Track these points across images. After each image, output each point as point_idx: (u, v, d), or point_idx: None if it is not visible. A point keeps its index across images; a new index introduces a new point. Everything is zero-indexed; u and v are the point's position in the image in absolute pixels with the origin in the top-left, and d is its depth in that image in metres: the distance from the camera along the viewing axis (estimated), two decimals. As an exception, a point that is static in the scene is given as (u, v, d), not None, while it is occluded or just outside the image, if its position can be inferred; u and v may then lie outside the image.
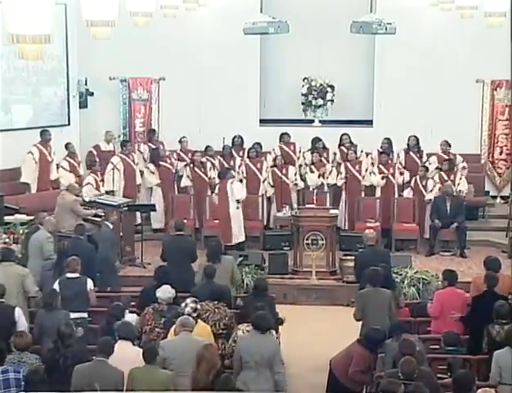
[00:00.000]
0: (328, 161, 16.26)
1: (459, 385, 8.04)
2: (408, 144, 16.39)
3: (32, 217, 13.72)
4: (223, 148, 16.42)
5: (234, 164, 16.18)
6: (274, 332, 9.34)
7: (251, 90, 17.84)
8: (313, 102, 17.86)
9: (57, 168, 16.20)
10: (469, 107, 17.47)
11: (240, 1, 17.33)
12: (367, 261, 11.79)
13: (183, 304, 9.62)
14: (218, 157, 16.30)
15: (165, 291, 9.98)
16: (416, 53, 17.32)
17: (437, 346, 9.71)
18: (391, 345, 9.15)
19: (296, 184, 16.00)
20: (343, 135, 16.59)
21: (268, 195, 16.02)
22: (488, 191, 17.45)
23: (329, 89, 17.82)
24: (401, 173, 15.73)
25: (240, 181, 15.63)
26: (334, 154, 16.49)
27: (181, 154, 16.65)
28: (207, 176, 15.91)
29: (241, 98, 17.58)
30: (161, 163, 16.15)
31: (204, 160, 16.06)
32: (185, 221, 15.26)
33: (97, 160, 16.10)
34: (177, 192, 16.17)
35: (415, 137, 16.37)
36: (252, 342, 8.80)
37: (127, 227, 14.33)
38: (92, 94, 17.71)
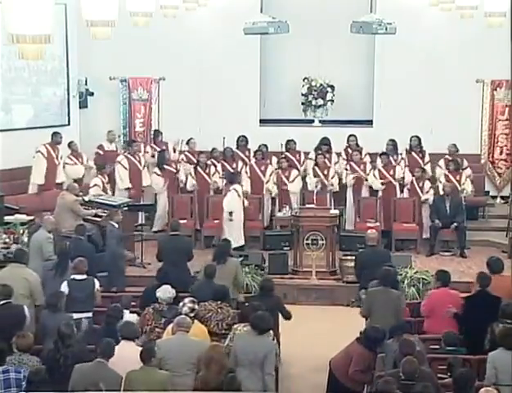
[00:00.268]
0: (330, 162, 16.21)
1: (459, 385, 8.03)
2: (410, 144, 16.40)
3: (32, 217, 13.73)
4: (225, 150, 16.36)
5: (236, 166, 16.14)
6: (272, 333, 9.31)
7: (251, 90, 17.83)
8: (313, 102, 17.86)
9: (63, 167, 16.16)
10: (469, 107, 17.47)
11: (240, 1, 17.33)
12: (368, 261, 11.83)
13: (181, 304, 9.65)
14: (221, 161, 16.23)
15: (165, 291, 9.99)
16: (416, 53, 17.32)
17: (437, 346, 9.71)
18: (392, 345, 9.14)
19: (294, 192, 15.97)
20: (350, 136, 16.57)
21: (273, 195, 15.95)
22: (488, 192, 17.45)
23: (329, 89, 17.82)
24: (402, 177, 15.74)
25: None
26: (339, 155, 16.45)
27: (189, 155, 16.63)
28: (210, 178, 15.90)
29: (241, 98, 17.58)
30: (166, 166, 16.13)
31: (209, 162, 16.05)
32: (185, 221, 15.38)
33: (106, 164, 16.06)
34: (179, 192, 16.15)
35: (417, 137, 16.38)
36: (248, 342, 8.81)
37: (127, 227, 14.32)
38: (92, 94, 17.71)
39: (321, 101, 17.82)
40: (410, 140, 16.40)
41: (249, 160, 16.40)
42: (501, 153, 17.78)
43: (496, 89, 17.60)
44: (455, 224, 15.02)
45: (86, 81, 17.54)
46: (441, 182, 15.69)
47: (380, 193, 15.74)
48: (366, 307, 10.43)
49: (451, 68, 17.30)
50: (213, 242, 15.21)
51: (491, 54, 16.42)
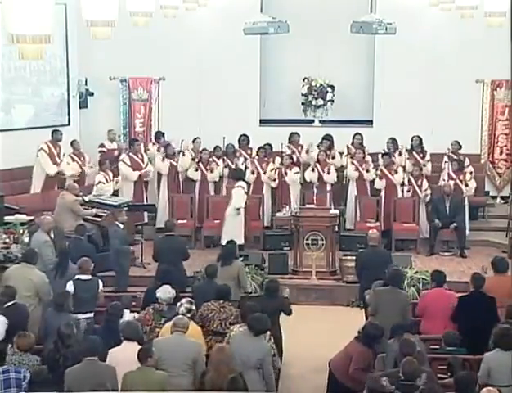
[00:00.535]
0: (329, 159, 16.21)
1: (460, 386, 8.03)
2: (412, 144, 16.41)
3: (32, 217, 13.73)
4: (227, 147, 16.39)
5: (237, 162, 16.15)
6: (268, 334, 9.31)
7: (251, 90, 17.83)
8: (313, 102, 17.85)
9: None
10: (469, 107, 17.46)
11: (240, 1, 17.33)
12: (368, 261, 11.82)
13: (178, 304, 9.65)
14: (223, 157, 16.24)
15: (165, 292, 9.99)
16: (416, 53, 17.32)
17: (437, 346, 9.71)
18: (392, 345, 9.14)
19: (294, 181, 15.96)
20: (356, 134, 16.55)
21: (272, 185, 15.91)
22: (488, 191, 17.45)
23: (329, 89, 17.81)
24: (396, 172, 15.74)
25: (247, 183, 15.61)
26: (341, 154, 16.47)
27: (192, 153, 16.63)
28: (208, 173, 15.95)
29: (241, 98, 17.57)
30: (170, 159, 16.14)
31: (210, 159, 16.07)
32: (185, 221, 15.39)
33: (107, 159, 16.07)
34: (182, 191, 16.14)
35: (419, 137, 16.39)
36: (243, 343, 8.84)
37: (127, 227, 14.31)
38: (92, 94, 17.71)
39: (321, 101, 17.82)
40: (412, 140, 16.41)
41: (251, 157, 16.40)
42: (501, 153, 17.79)
43: (496, 89, 17.60)
44: (454, 224, 15.03)
45: (86, 81, 17.54)
46: (444, 180, 15.65)
47: (382, 193, 15.73)
48: (373, 307, 10.41)
49: (451, 68, 17.29)
50: (214, 242, 15.22)
51: (491, 54, 16.42)
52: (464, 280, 12.13)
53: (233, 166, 15.95)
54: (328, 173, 15.86)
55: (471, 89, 17.50)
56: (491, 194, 17.55)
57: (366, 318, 10.87)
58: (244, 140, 16.72)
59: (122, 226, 13.14)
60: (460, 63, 17.24)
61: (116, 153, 16.33)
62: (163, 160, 16.07)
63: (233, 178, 15.11)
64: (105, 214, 14.23)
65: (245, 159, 16.36)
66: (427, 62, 17.33)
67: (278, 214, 15.67)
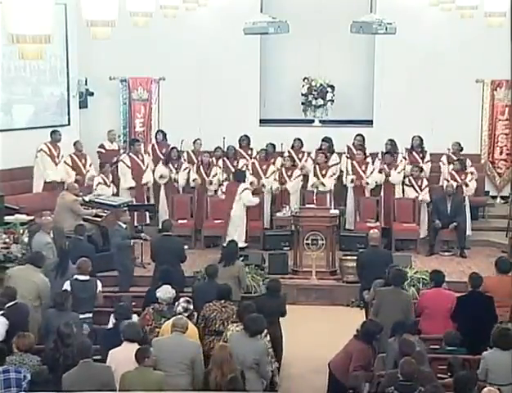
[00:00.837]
0: (328, 161, 16.20)
1: (459, 386, 8.03)
2: (412, 144, 16.40)
3: (32, 217, 13.73)
4: (227, 149, 16.38)
5: (237, 165, 16.13)
6: (263, 335, 9.30)
7: (251, 90, 17.83)
8: (313, 102, 17.85)
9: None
10: (469, 107, 17.46)
11: (240, 1, 17.33)
12: (369, 261, 11.81)
13: (176, 304, 9.66)
14: (223, 158, 16.23)
15: (165, 292, 9.98)
16: (416, 53, 17.31)
17: (437, 346, 9.71)
18: (393, 344, 9.14)
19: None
20: (357, 135, 16.54)
21: (272, 190, 15.87)
22: (488, 191, 17.45)
23: (329, 89, 17.81)
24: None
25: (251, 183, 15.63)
26: (340, 155, 16.45)
27: (192, 154, 16.63)
28: (208, 177, 15.91)
29: (241, 98, 17.57)
30: (169, 164, 16.16)
31: (211, 160, 16.06)
32: (185, 221, 15.38)
33: (107, 162, 16.05)
34: (181, 192, 16.15)
35: (420, 137, 16.39)
36: (239, 343, 8.85)
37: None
38: (92, 94, 17.71)
39: (321, 101, 17.82)
40: (412, 139, 16.41)
41: (251, 158, 16.40)
42: (501, 153, 17.78)
43: (496, 89, 17.60)
44: (454, 224, 15.02)
45: (86, 81, 17.54)
46: (448, 180, 15.62)
47: (382, 193, 15.75)
48: (375, 307, 10.41)
49: (451, 68, 17.29)
50: (214, 242, 15.23)
51: (491, 54, 16.42)
52: (464, 280, 12.10)
53: (232, 170, 15.89)
54: (323, 176, 15.83)
55: (471, 89, 17.50)
56: (491, 194, 17.55)
57: (366, 318, 10.87)
58: (244, 140, 16.71)
59: (124, 226, 13.12)
60: (460, 63, 17.24)
61: (115, 159, 16.24)
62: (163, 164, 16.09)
63: (236, 180, 15.08)
64: (105, 214, 14.23)
65: (246, 161, 16.32)
66: (427, 62, 17.32)
67: (278, 214, 15.67)
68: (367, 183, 15.77)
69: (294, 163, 16.19)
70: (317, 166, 16.00)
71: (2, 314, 9.56)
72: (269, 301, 10.33)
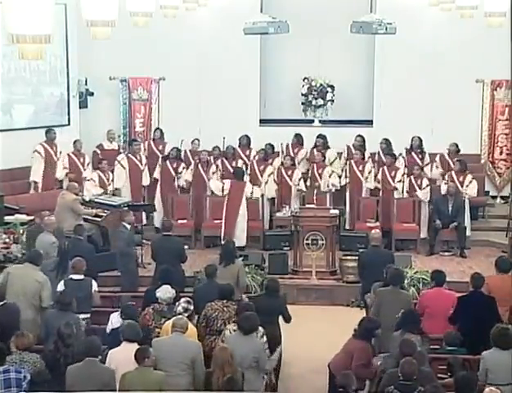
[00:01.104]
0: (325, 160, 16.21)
1: (460, 386, 8.02)
2: (412, 144, 16.40)
3: (32, 217, 13.72)
4: (226, 148, 16.38)
5: (236, 164, 16.14)
6: (262, 331, 9.32)
7: (251, 90, 17.84)
8: (313, 102, 17.86)
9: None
10: (469, 107, 17.46)
11: (240, 1, 17.33)
12: (370, 261, 11.80)
13: (176, 304, 9.66)
14: (222, 158, 16.23)
15: (165, 292, 9.98)
16: (416, 53, 17.32)
17: (437, 346, 9.71)
18: (396, 337, 9.13)
19: (299, 190, 15.88)
20: (357, 136, 16.52)
21: (270, 196, 15.93)
22: (488, 191, 17.45)
23: (329, 89, 17.82)
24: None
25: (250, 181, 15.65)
26: (340, 153, 16.45)
27: (189, 154, 16.62)
28: (207, 175, 15.92)
29: (241, 98, 17.58)
30: (167, 161, 16.16)
31: (209, 158, 16.07)
32: (185, 221, 15.38)
33: (103, 159, 16.04)
34: (178, 192, 16.15)
35: (419, 137, 16.38)
36: (234, 343, 8.85)
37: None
38: (92, 94, 17.72)
39: (321, 101, 17.82)
40: (412, 140, 16.40)
41: (248, 159, 16.39)
42: (501, 153, 17.78)
43: (496, 89, 17.60)
44: (454, 224, 15.01)
45: (86, 81, 17.55)
46: (446, 181, 15.60)
47: (380, 193, 15.75)
48: (375, 307, 10.40)
49: (451, 68, 17.29)
50: (219, 242, 15.22)
51: (491, 54, 16.42)
52: (465, 280, 12.12)
53: (231, 170, 15.88)
54: (320, 175, 15.83)
55: (471, 89, 17.51)
56: (491, 194, 17.55)
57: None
58: (244, 140, 16.70)
59: (129, 227, 13.10)
60: (460, 63, 17.24)
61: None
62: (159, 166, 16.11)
63: (237, 178, 15.09)
64: (105, 214, 14.23)
65: (245, 162, 16.31)
66: (427, 62, 17.32)
67: (278, 214, 15.67)
68: (369, 188, 15.81)
69: (294, 162, 16.18)
70: (315, 165, 15.99)
71: None
72: (267, 301, 10.32)
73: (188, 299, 9.74)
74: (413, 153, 16.35)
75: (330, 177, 15.80)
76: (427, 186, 15.58)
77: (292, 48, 18.07)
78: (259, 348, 8.96)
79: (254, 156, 16.39)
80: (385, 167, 15.76)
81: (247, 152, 16.67)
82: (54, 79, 16.97)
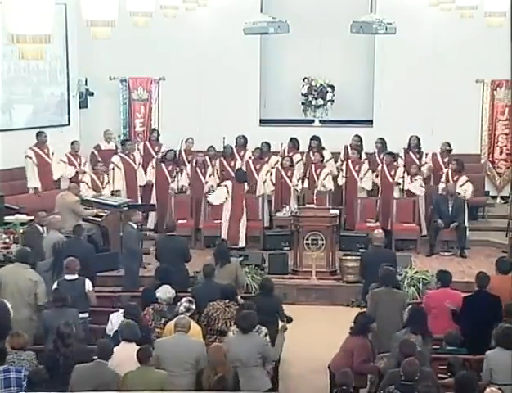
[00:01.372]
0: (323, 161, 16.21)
1: (460, 386, 8.02)
2: (409, 144, 16.40)
3: (32, 217, 13.71)
4: (224, 148, 16.39)
5: (235, 165, 16.13)
6: (263, 328, 9.35)
7: (251, 90, 17.84)
8: (313, 102, 17.86)
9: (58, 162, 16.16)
10: (469, 107, 17.47)
11: (240, 1, 17.34)
12: (372, 261, 11.79)
13: (178, 304, 9.65)
14: (220, 158, 16.24)
15: (165, 292, 9.99)
16: (416, 53, 17.32)
17: (437, 346, 9.71)
18: (400, 337, 9.14)
19: (296, 190, 15.90)
20: (354, 136, 16.49)
21: (269, 191, 15.89)
22: (488, 191, 17.45)
23: (329, 89, 17.82)
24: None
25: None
26: (336, 154, 16.45)
27: (183, 154, 16.62)
28: (204, 178, 15.92)
29: (241, 98, 17.58)
30: (162, 164, 16.15)
31: (205, 159, 16.06)
32: (185, 221, 15.37)
33: (100, 160, 16.05)
34: (173, 193, 16.14)
35: (417, 137, 16.37)
36: (236, 343, 8.87)
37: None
38: (92, 94, 17.72)
39: (321, 101, 17.83)
40: (410, 139, 16.39)
41: (242, 160, 16.33)
42: (501, 153, 17.79)
43: (496, 89, 17.60)
44: (455, 224, 15.00)
45: (86, 81, 17.55)
46: (443, 180, 15.61)
47: (379, 193, 15.74)
48: (371, 308, 10.39)
49: (451, 68, 17.29)
50: (214, 242, 15.23)
51: (491, 54, 16.42)
52: (465, 280, 12.13)
53: (229, 170, 15.88)
54: (318, 176, 15.83)
55: (471, 89, 17.51)
56: (491, 194, 17.55)
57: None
58: (241, 140, 16.67)
59: (136, 226, 13.09)
60: (460, 63, 17.24)
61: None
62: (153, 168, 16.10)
63: (237, 181, 15.07)
64: (105, 214, 14.24)
65: (241, 158, 16.33)
66: (427, 62, 17.33)
67: (278, 214, 15.66)
68: (362, 188, 15.82)
69: (293, 163, 16.19)
70: (313, 165, 15.99)
71: None
72: (263, 301, 10.31)
73: (190, 298, 9.74)
74: (411, 152, 16.33)
75: (324, 179, 15.80)
76: (419, 180, 15.51)
77: (292, 48, 18.07)
78: (262, 343, 8.99)
79: (250, 157, 16.34)
80: (385, 166, 15.75)
81: (241, 153, 16.63)
82: (54, 79, 16.98)
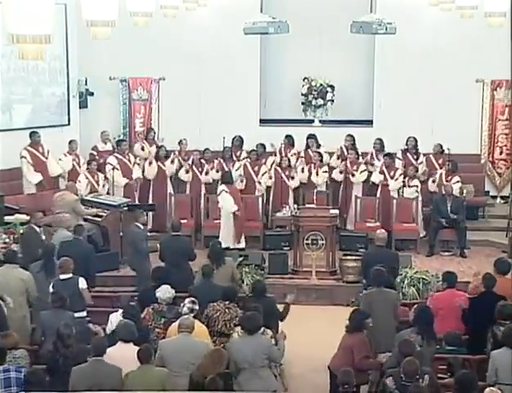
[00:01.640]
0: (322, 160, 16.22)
1: (460, 386, 8.02)
2: (407, 145, 16.39)
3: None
4: (224, 149, 16.37)
5: (233, 166, 16.11)
6: (268, 330, 9.35)
7: (251, 90, 17.84)
8: (313, 102, 17.87)
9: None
10: (469, 107, 17.47)
11: (240, 1, 17.33)
12: (374, 261, 11.77)
13: (181, 305, 9.65)
14: (219, 159, 16.22)
15: (165, 292, 9.99)
16: (416, 53, 17.32)
17: (437, 346, 9.70)
18: (402, 337, 9.13)
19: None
20: (347, 136, 16.49)
21: (268, 184, 15.85)
22: (488, 191, 17.46)
23: (329, 89, 17.83)
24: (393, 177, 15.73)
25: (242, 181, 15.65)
26: (331, 153, 16.47)
27: (178, 155, 16.59)
28: (201, 175, 15.94)
29: (241, 98, 17.58)
30: (159, 163, 16.15)
31: (202, 160, 16.06)
32: (185, 221, 15.37)
33: (96, 159, 16.02)
34: (175, 192, 16.15)
35: (415, 138, 16.37)
36: (242, 345, 8.86)
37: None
38: (92, 94, 17.72)
39: (320, 101, 17.83)
40: (407, 140, 16.37)
41: (238, 161, 16.28)
42: (501, 153, 17.79)
43: (496, 89, 17.60)
44: (454, 217, 14.95)
45: (86, 81, 17.55)
46: (434, 178, 15.61)
47: (378, 193, 15.75)
48: (365, 308, 10.38)
49: (450, 68, 17.29)
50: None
51: (491, 54, 16.42)
52: (465, 280, 12.12)
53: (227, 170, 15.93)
54: (317, 174, 15.85)
55: (471, 89, 17.51)
56: (491, 194, 17.55)
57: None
58: (237, 141, 16.63)
59: (142, 227, 13.08)
60: (460, 63, 17.24)
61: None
62: (151, 164, 16.03)
63: (223, 183, 15.10)
64: (105, 214, 14.23)
65: (237, 159, 16.32)
66: (427, 62, 17.33)
67: (278, 214, 15.67)
68: (353, 174, 15.83)
69: (291, 163, 16.19)
70: (312, 165, 15.99)
71: None
72: (257, 303, 10.25)
73: (193, 299, 9.73)
74: (408, 153, 16.33)
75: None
76: (417, 186, 15.52)
77: (292, 48, 18.08)
78: (267, 344, 8.98)
79: (245, 157, 16.31)
80: (384, 167, 15.75)
81: (238, 153, 16.60)
82: (54, 79, 16.97)
